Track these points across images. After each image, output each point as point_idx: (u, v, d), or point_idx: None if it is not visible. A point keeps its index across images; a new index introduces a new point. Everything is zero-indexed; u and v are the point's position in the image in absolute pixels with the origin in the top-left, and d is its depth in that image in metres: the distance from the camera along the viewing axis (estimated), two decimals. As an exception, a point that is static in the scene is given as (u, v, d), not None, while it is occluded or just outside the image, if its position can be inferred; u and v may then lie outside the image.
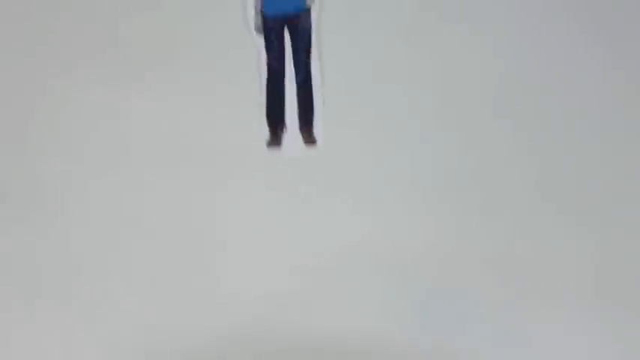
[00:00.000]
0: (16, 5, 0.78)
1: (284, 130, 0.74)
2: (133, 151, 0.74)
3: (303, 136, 0.74)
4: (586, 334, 0.71)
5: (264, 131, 0.74)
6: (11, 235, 0.73)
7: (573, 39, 0.75)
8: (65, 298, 0.72)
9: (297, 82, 0.75)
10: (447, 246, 0.73)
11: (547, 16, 0.75)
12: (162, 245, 0.73)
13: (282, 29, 0.76)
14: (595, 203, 0.74)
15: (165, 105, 0.74)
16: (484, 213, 0.74)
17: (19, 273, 0.72)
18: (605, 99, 0.74)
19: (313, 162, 0.74)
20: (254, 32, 0.75)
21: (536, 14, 0.75)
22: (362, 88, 0.75)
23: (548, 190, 0.74)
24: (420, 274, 0.73)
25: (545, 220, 0.74)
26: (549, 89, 0.75)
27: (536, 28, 0.75)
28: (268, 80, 0.75)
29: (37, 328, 0.71)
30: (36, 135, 0.75)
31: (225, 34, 0.75)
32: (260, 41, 0.75)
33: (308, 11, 0.76)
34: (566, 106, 0.75)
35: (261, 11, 0.75)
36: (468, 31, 0.75)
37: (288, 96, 0.75)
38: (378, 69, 0.75)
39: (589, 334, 0.71)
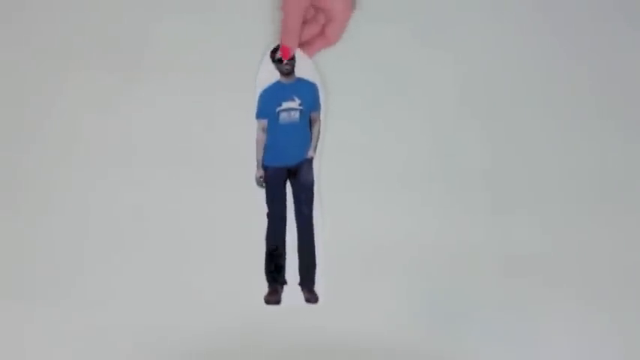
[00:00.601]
0: (15, 2, 0.78)
1: (283, 285, 0.72)
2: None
3: (303, 293, 0.72)
4: (587, 334, 0.71)
5: (263, 286, 0.72)
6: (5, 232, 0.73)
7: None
8: (57, 296, 0.71)
9: (299, 235, 0.73)
10: (449, 247, 0.73)
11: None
12: (157, 245, 0.73)
13: (284, 181, 0.74)
14: (599, 203, 0.74)
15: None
16: (486, 214, 0.73)
17: (13, 270, 0.72)
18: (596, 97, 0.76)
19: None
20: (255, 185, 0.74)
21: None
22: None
23: (551, 191, 0.74)
24: (421, 275, 0.72)
25: (547, 220, 0.73)
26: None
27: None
28: (268, 233, 0.73)
29: (29, 326, 0.71)
30: (31, 133, 0.75)
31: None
32: (260, 194, 0.74)
33: (309, 162, 0.75)
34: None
35: (263, 164, 0.75)
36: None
37: (289, 249, 0.73)
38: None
39: (590, 335, 0.71)
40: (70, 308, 0.71)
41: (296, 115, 0.76)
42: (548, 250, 0.72)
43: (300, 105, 0.76)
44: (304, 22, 0.74)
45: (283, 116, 0.75)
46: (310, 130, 0.76)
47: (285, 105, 0.76)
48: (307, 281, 0.72)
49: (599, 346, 0.70)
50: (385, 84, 0.75)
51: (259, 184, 0.74)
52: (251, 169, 0.74)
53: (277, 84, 0.77)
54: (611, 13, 0.76)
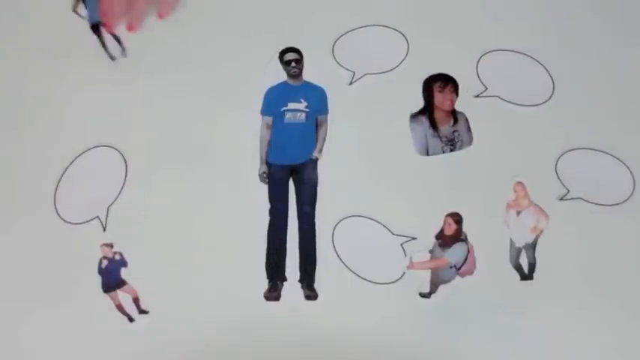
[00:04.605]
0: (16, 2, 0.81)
1: (283, 282, 0.71)
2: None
3: (303, 290, 0.71)
4: (588, 334, 0.70)
5: (263, 283, 0.71)
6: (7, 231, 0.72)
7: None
8: (57, 296, 0.70)
9: (300, 233, 0.73)
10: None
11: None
12: (158, 241, 0.72)
13: (287, 179, 0.75)
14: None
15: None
16: (485, 213, 0.73)
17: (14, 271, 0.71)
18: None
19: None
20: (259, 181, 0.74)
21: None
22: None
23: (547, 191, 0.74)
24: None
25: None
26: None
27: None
28: (269, 230, 0.73)
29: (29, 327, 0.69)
30: (31, 133, 0.75)
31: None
32: (263, 190, 0.74)
33: (314, 162, 0.75)
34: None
35: (266, 160, 0.75)
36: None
37: (290, 247, 0.72)
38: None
39: (591, 334, 0.69)
40: (70, 308, 0.69)
41: (302, 116, 0.76)
42: (547, 250, 0.72)
43: (306, 107, 0.77)
44: None
45: (288, 116, 0.76)
46: (316, 132, 0.76)
47: (291, 105, 0.77)
48: (307, 278, 0.71)
49: (599, 345, 0.69)
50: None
51: (262, 179, 0.74)
52: (254, 166, 0.75)
53: (284, 84, 0.78)
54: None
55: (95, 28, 0.78)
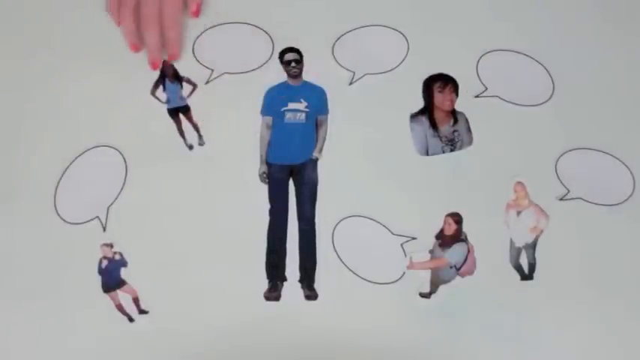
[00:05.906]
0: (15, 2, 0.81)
1: (283, 282, 0.71)
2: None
3: (303, 290, 0.71)
4: (587, 334, 0.69)
5: (263, 283, 0.71)
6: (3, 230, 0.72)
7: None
8: (59, 295, 0.70)
9: (300, 233, 0.73)
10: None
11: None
12: (157, 241, 0.72)
13: (287, 179, 0.75)
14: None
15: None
16: (485, 213, 0.73)
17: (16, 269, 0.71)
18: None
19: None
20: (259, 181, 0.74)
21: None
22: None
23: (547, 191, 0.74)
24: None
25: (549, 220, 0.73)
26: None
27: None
28: (269, 230, 0.73)
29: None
30: (36, 131, 0.75)
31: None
32: (263, 190, 0.74)
33: (314, 162, 0.75)
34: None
35: (266, 160, 0.75)
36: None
37: (290, 247, 0.72)
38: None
39: (591, 335, 0.69)
40: (70, 308, 0.69)
41: (302, 116, 0.77)
42: (546, 249, 0.72)
43: (306, 107, 0.77)
44: None
45: (289, 116, 0.76)
46: (316, 132, 0.76)
47: (292, 105, 0.77)
48: (307, 278, 0.71)
49: (599, 345, 0.69)
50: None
51: (262, 179, 0.74)
52: (254, 166, 0.75)
53: (284, 84, 0.78)
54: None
55: (174, 113, 0.76)
